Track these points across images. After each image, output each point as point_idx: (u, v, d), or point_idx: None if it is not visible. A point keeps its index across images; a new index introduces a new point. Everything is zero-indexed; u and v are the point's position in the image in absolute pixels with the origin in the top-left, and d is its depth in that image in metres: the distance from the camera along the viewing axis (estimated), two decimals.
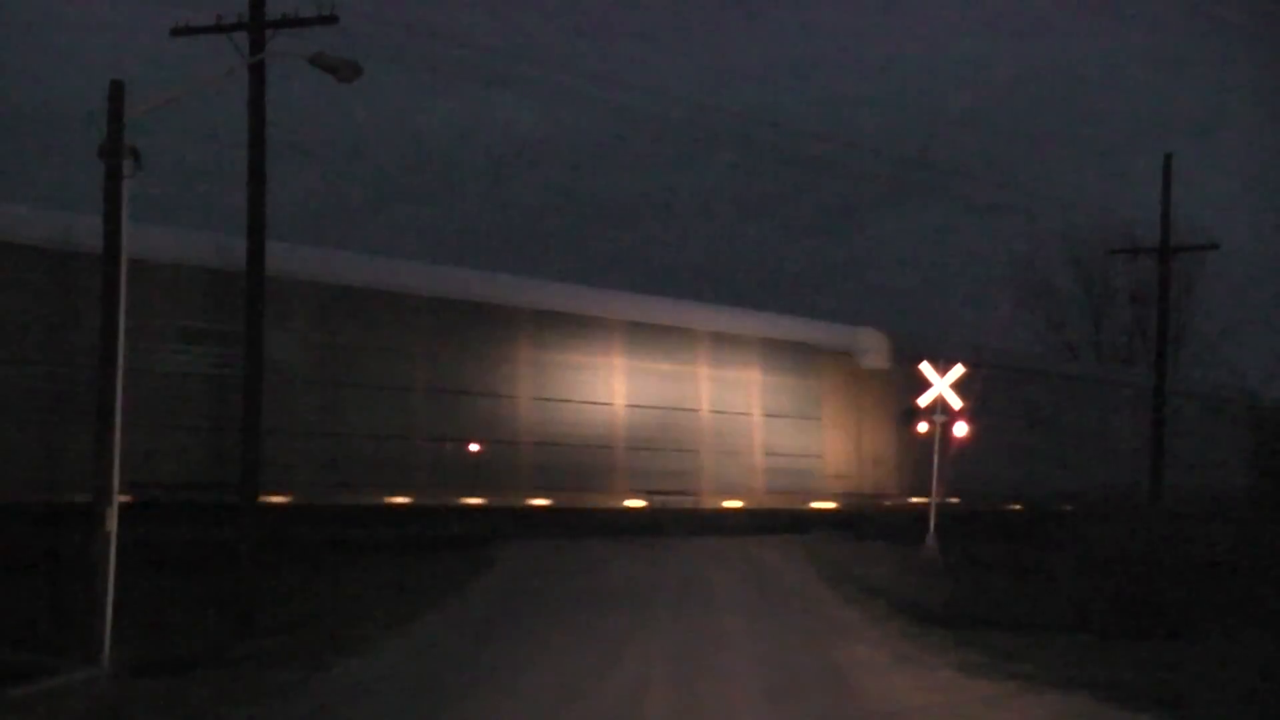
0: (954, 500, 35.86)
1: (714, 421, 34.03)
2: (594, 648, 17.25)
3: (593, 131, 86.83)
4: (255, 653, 16.00)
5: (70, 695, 13.58)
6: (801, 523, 35.52)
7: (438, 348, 28.08)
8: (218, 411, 23.30)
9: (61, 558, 18.01)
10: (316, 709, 13.55)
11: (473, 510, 28.33)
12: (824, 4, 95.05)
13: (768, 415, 35.44)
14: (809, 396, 36.45)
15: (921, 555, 31.13)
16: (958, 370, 33.10)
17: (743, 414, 34.87)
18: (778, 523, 34.87)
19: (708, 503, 33.88)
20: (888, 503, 37.68)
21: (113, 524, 15.25)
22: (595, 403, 31.43)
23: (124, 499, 15.73)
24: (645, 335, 32.61)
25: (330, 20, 18.91)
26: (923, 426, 33.53)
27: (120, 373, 15.54)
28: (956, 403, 33.05)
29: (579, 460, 30.67)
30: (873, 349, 38.01)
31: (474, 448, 28.34)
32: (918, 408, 33.55)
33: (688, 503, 33.38)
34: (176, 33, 19.26)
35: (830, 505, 36.72)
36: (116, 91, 15.58)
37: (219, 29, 19.01)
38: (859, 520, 36.19)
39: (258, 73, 19.00)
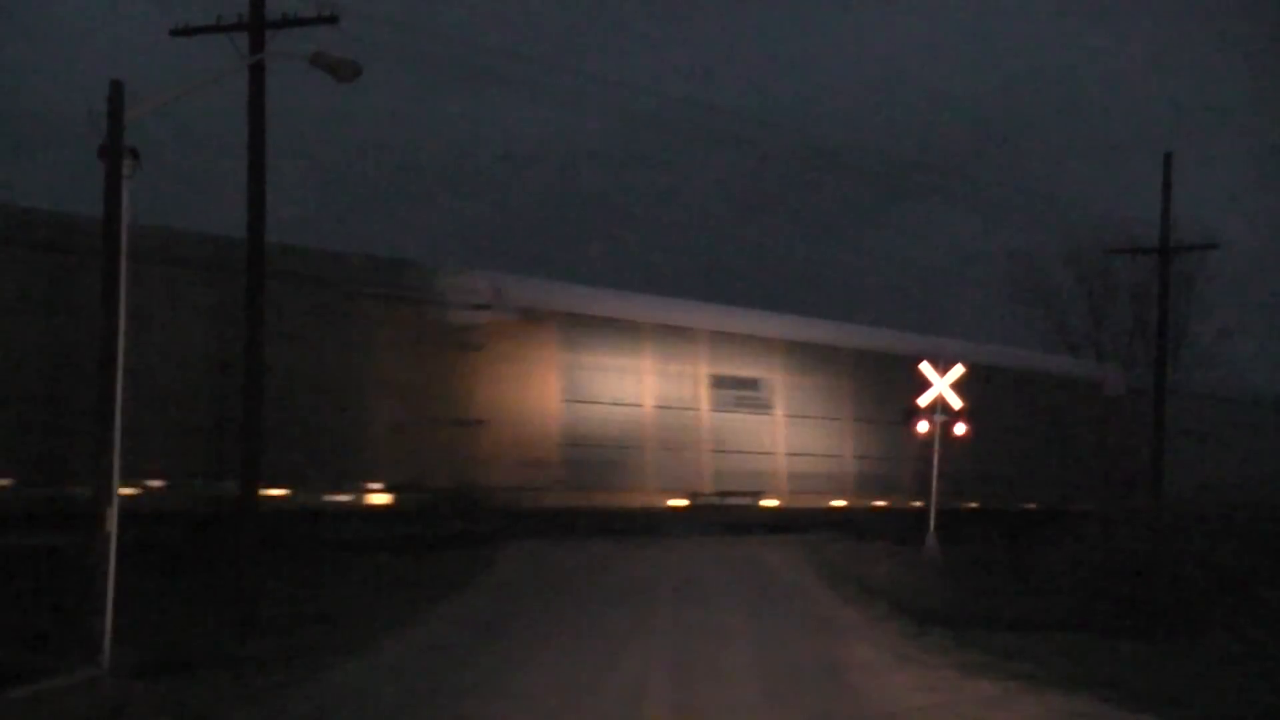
0: (953, 500, 35.87)
1: None
2: (594, 647, 17.26)
3: (593, 132, 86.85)
4: (256, 653, 16.00)
5: (70, 695, 13.58)
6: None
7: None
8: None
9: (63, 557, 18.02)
10: (317, 709, 13.54)
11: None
12: (824, 4, 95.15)
13: None
14: None
15: (922, 555, 31.13)
16: (958, 370, 33.11)
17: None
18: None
19: None
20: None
21: (112, 524, 15.24)
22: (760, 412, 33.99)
23: None
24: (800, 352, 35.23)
25: (330, 20, 18.92)
26: (923, 426, 33.50)
27: (120, 373, 15.52)
28: (956, 403, 33.04)
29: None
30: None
31: None
32: (917, 407, 33.55)
33: None
34: (176, 33, 19.27)
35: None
36: (116, 91, 15.57)
37: (219, 29, 19.01)
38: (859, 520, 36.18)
39: (257, 73, 19.01)
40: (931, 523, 32.46)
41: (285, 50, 18.61)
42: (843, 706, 14.38)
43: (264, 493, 19.31)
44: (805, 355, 35.44)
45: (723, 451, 32.93)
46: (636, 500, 31.21)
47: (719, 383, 33.13)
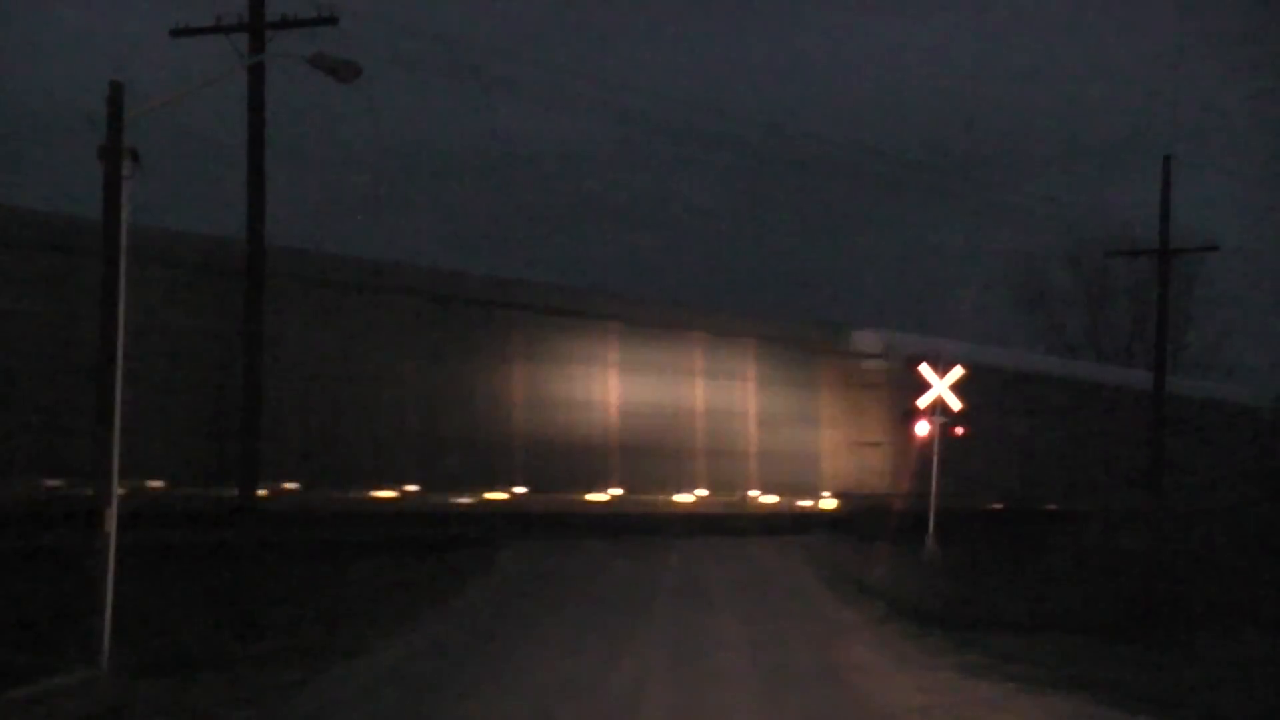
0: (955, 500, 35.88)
1: None
2: (594, 647, 17.26)
3: (593, 132, 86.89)
4: (256, 653, 15.98)
5: (70, 696, 13.56)
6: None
7: None
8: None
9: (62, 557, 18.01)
10: (317, 709, 13.53)
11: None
12: (824, 4, 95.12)
13: None
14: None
15: (921, 556, 31.10)
16: (957, 372, 33.05)
17: None
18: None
19: None
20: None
21: (112, 525, 15.23)
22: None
23: None
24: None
25: (330, 21, 18.92)
26: (923, 428, 33.46)
27: (120, 373, 15.52)
28: (956, 404, 33.01)
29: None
30: None
31: None
32: (917, 408, 33.51)
33: None
34: (176, 33, 19.29)
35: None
36: (116, 93, 15.56)
37: (219, 30, 19.02)
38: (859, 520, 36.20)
39: (257, 73, 19.01)
40: (931, 523, 32.42)
41: (285, 51, 18.61)
42: (842, 708, 14.37)
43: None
44: None
45: None
46: None
47: None
